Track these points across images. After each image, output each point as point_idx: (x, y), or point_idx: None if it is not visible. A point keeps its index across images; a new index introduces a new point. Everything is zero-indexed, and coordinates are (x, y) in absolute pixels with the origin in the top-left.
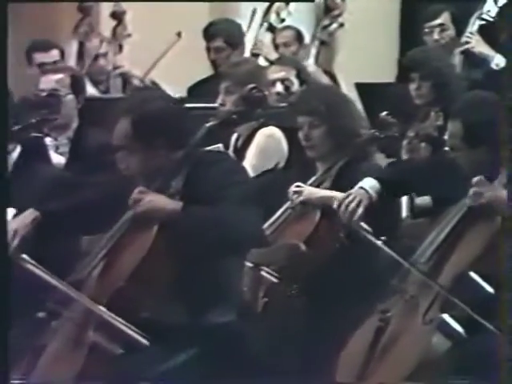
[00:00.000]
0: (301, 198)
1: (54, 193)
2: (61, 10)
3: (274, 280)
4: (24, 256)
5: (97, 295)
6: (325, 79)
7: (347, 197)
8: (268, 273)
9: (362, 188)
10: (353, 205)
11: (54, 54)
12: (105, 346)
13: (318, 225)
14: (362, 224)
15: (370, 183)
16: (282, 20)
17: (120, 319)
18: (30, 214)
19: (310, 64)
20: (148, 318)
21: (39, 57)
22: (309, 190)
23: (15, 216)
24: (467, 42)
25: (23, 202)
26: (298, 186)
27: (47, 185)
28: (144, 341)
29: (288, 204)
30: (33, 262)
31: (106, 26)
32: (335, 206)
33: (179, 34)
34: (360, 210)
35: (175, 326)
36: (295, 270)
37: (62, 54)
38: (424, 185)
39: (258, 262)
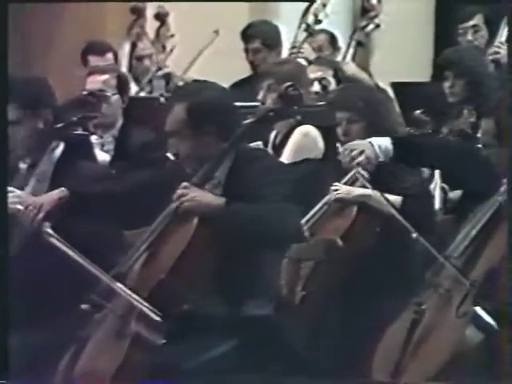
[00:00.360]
0: (338, 196)
1: (98, 187)
2: (112, 12)
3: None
4: (48, 230)
5: (139, 288)
6: (366, 77)
7: (352, 145)
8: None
9: (370, 142)
10: (355, 152)
11: (109, 58)
12: (146, 337)
13: (354, 220)
14: (361, 171)
15: (381, 142)
16: (320, 21)
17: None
18: (59, 192)
19: (348, 63)
20: (189, 309)
21: (94, 60)
22: (346, 189)
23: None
24: (496, 53)
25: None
26: (335, 185)
27: (91, 180)
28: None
29: (325, 199)
30: (56, 235)
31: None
32: (340, 150)
33: (217, 32)
34: (360, 158)
35: (215, 318)
36: (332, 265)
37: (116, 56)
38: (445, 164)
39: (296, 257)
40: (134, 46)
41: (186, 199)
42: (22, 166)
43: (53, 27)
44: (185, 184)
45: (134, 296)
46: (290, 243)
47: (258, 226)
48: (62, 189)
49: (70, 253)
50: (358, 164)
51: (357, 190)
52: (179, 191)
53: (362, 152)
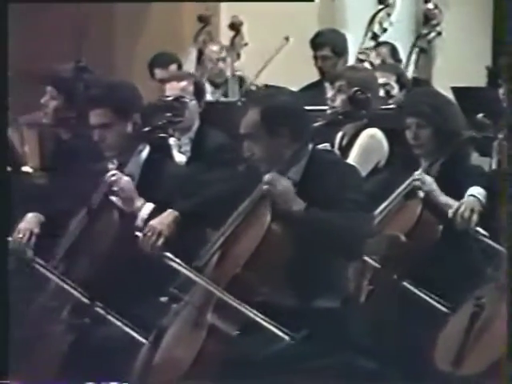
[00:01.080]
0: (425, 188)
1: (179, 189)
2: (182, 20)
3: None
4: (168, 254)
5: (215, 281)
6: None
7: (460, 206)
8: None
9: (472, 196)
10: (467, 213)
11: (173, 69)
12: (222, 328)
13: (419, 217)
14: (479, 229)
15: (478, 191)
16: (385, 30)
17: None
18: (169, 215)
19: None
20: (262, 302)
21: (159, 73)
22: (430, 184)
23: (153, 211)
24: None
25: (153, 196)
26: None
27: (173, 181)
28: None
29: (390, 198)
30: (176, 260)
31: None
32: (450, 214)
33: (287, 39)
34: (474, 218)
35: (286, 310)
36: (396, 260)
37: (180, 67)
38: None
39: None
40: (200, 52)
41: (276, 185)
42: (111, 166)
43: (136, 35)
44: (273, 174)
45: (215, 287)
46: (362, 250)
47: (332, 236)
48: (171, 211)
49: (185, 271)
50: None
51: (439, 197)
52: (269, 176)
53: (472, 211)
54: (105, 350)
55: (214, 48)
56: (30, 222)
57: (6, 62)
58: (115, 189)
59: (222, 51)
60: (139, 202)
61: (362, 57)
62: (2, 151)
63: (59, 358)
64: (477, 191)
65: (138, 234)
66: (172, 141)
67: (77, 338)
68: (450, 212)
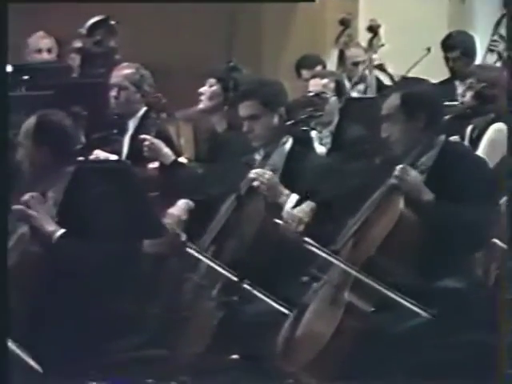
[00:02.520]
0: None
1: (319, 178)
2: (325, 24)
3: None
4: (307, 239)
5: (351, 263)
6: None
7: None
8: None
9: None
10: None
11: (318, 69)
12: (358, 306)
13: None
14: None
15: None
16: None
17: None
18: (308, 204)
19: None
20: (393, 282)
21: (305, 73)
22: None
23: (298, 201)
24: None
25: (295, 185)
26: None
27: (314, 170)
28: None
29: None
30: (315, 244)
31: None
32: None
33: (429, 49)
34: None
35: (415, 290)
36: None
37: (324, 68)
38: None
39: None
40: (341, 52)
41: (407, 179)
42: (257, 157)
43: (285, 33)
44: (404, 166)
45: (353, 267)
46: (485, 243)
47: (459, 228)
48: (309, 202)
49: (324, 254)
50: None
51: None
52: (400, 168)
53: None
54: (252, 326)
55: (354, 52)
56: (179, 208)
57: (5, 63)
58: (260, 184)
59: (361, 55)
60: (284, 193)
61: (492, 47)
62: (2, 151)
63: (210, 333)
64: None
65: (279, 221)
66: (314, 134)
67: (226, 314)
68: None
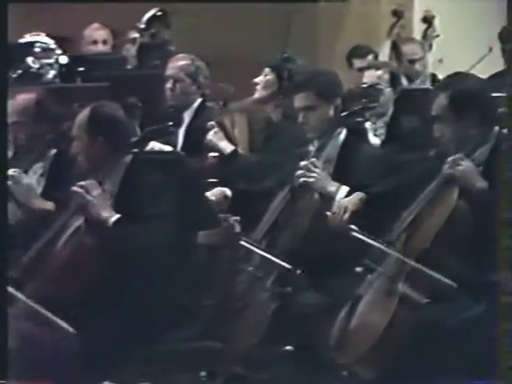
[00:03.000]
0: None
1: (373, 169)
2: (380, 15)
3: None
4: (353, 226)
5: (405, 254)
6: None
7: None
8: None
9: None
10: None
11: (370, 59)
12: (412, 297)
13: None
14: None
15: None
16: None
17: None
18: (358, 195)
19: None
20: (448, 274)
21: (357, 62)
22: None
23: (348, 192)
24: None
25: (349, 175)
26: None
27: (368, 161)
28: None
29: None
30: (360, 231)
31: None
32: None
33: (490, 50)
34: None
35: (470, 281)
36: None
37: (376, 58)
38: None
39: None
40: (394, 44)
41: (459, 168)
42: (311, 148)
43: (340, 24)
44: (457, 156)
45: (408, 259)
46: None
47: None
48: (359, 192)
49: (373, 243)
50: None
51: None
52: (453, 158)
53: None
54: (305, 316)
55: (410, 49)
56: (214, 194)
57: (5, 62)
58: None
59: (418, 52)
60: (334, 186)
61: None
62: (2, 151)
63: (264, 324)
64: None
65: (328, 212)
66: (368, 124)
67: (280, 305)
68: None
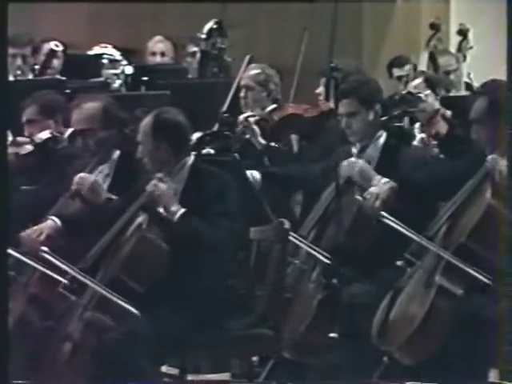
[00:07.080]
0: None
1: (413, 168)
2: (420, 27)
3: None
4: (383, 213)
5: (443, 249)
6: None
7: None
8: None
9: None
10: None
11: (407, 69)
12: (448, 288)
13: None
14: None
15: None
16: None
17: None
18: (389, 183)
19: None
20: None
21: (396, 71)
22: None
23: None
24: None
25: (390, 175)
26: None
27: (408, 162)
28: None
29: None
30: (391, 218)
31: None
32: None
33: None
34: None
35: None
36: None
37: (415, 67)
38: None
39: None
40: (432, 55)
41: (495, 165)
42: (354, 150)
43: (383, 34)
44: (494, 155)
45: (445, 252)
46: None
47: None
48: (390, 181)
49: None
50: None
51: None
52: (491, 157)
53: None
54: (348, 307)
55: (446, 61)
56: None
57: (5, 62)
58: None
59: (453, 64)
60: (376, 180)
61: None
62: (2, 151)
63: (311, 313)
64: None
65: (359, 197)
66: (416, 128)
67: (325, 296)
68: None
